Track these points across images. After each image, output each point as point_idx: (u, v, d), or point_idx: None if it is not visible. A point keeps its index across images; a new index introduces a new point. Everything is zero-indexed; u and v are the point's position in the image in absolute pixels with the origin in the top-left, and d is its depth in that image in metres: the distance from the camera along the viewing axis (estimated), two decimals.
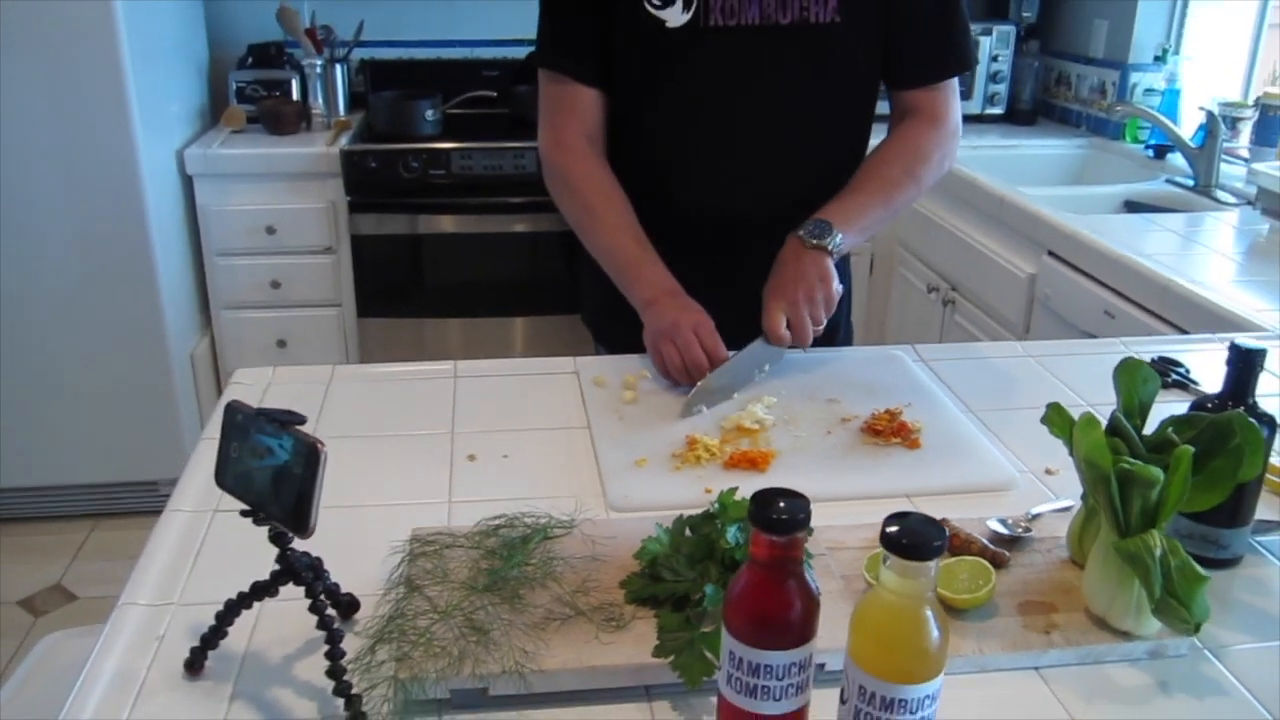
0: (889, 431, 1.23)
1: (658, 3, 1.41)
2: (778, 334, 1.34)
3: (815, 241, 1.37)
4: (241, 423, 0.82)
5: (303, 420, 0.80)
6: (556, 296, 3.12)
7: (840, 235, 1.38)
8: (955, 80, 1.51)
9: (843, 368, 1.42)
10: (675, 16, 1.41)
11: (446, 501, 1.12)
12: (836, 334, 1.64)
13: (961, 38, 1.49)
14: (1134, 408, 0.96)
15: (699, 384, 1.31)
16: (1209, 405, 1.04)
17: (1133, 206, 2.70)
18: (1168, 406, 1.04)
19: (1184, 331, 1.88)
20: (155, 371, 2.89)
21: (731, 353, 1.36)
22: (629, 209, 1.48)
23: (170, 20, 3.02)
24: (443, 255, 3.09)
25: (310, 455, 0.77)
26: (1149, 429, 0.97)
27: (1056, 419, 0.96)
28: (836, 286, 1.36)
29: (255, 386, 1.39)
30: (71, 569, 2.82)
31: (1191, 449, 0.86)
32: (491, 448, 1.22)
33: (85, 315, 2.81)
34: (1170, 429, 0.94)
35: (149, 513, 3.05)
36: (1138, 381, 0.97)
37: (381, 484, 1.15)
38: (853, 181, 1.45)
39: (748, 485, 1.11)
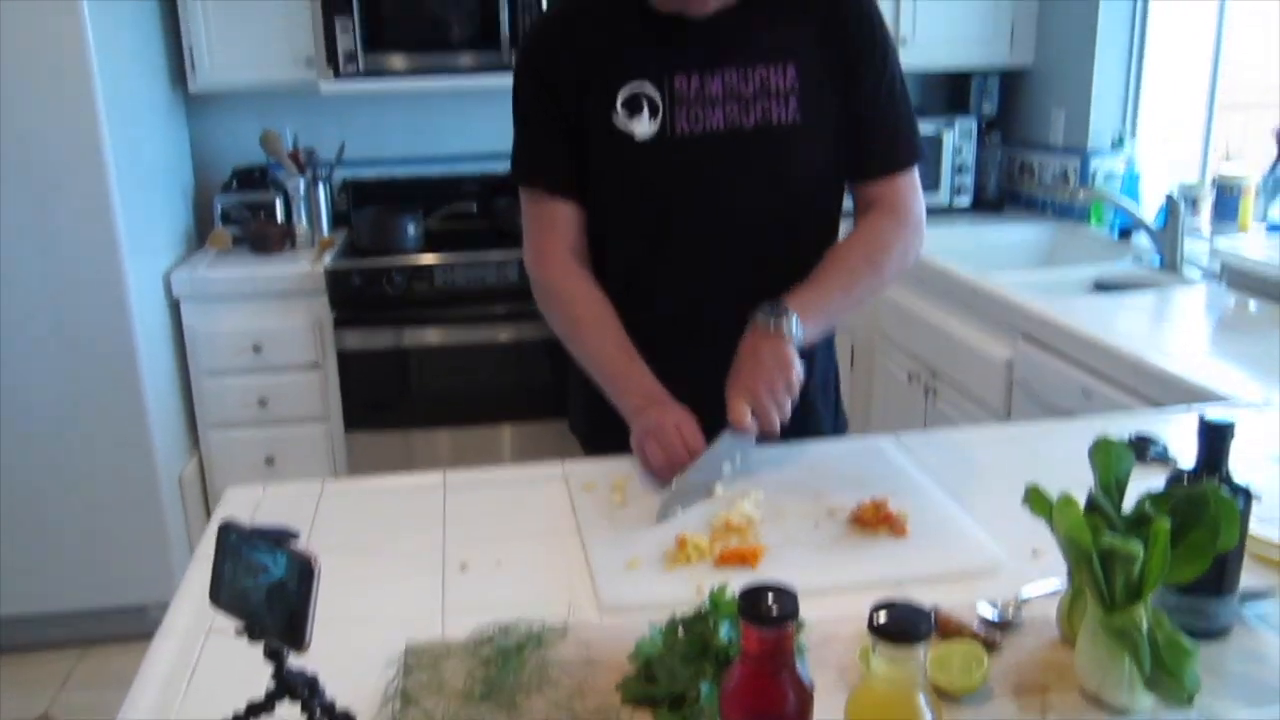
0: (876, 521, 1.24)
1: (625, 116, 1.47)
2: (742, 423, 1.35)
3: (773, 328, 1.39)
4: (235, 541, 0.84)
5: (296, 536, 0.81)
6: (543, 403, 3.15)
7: (797, 320, 1.40)
8: (914, 174, 1.57)
9: (827, 459, 1.44)
10: (643, 128, 1.46)
11: (440, 611, 1.12)
12: (821, 426, 1.66)
13: (910, 130, 1.56)
14: (1111, 485, 0.99)
15: (671, 486, 1.32)
16: (1184, 479, 1.06)
17: (1102, 287, 2.76)
18: (1147, 481, 1.06)
19: (1160, 406, 1.91)
20: (143, 494, 2.89)
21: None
22: (614, 318, 1.51)
23: (156, 146, 3.10)
24: (428, 367, 3.12)
25: (304, 570, 0.78)
26: (1127, 504, 0.99)
27: (1037, 500, 0.98)
28: (797, 373, 1.38)
29: (246, 505, 1.39)
30: (59, 699, 2.77)
31: (1168, 522, 0.88)
32: (483, 556, 1.23)
33: (73, 439, 2.82)
34: (1147, 504, 0.96)
35: (138, 638, 3.00)
36: (1112, 459, 1.00)
37: (375, 596, 1.15)
38: (813, 271, 1.49)
39: (739, 582, 1.12)
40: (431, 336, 3.09)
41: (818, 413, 1.65)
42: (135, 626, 2.94)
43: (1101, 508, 0.94)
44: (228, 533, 0.84)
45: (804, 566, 1.16)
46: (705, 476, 1.34)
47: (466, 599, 1.14)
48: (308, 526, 1.32)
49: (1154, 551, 0.88)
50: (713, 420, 1.38)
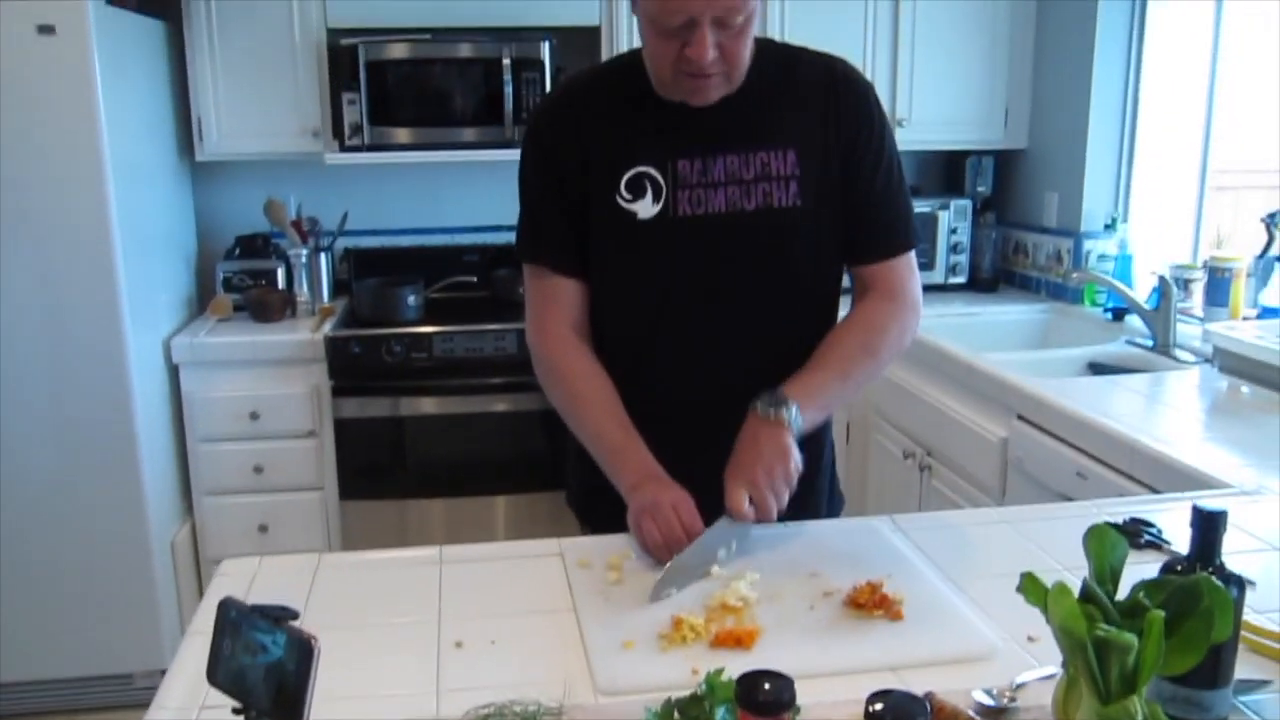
0: (871, 604, 1.24)
1: (629, 196, 1.50)
2: (740, 510, 1.37)
3: (772, 417, 1.41)
4: (235, 619, 0.84)
5: (295, 615, 0.82)
6: (538, 474, 3.15)
7: (796, 409, 1.42)
8: (911, 256, 1.59)
9: (823, 540, 1.45)
10: (646, 209, 1.50)
11: (435, 691, 1.12)
12: (818, 504, 1.67)
13: (907, 215, 1.59)
14: (1105, 573, 0.99)
15: (666, 566, 1.33)
16: (1178, 568, 1.07)
17: (1096, 368, 2.79)
18: (1141, 568, 1.06)
19: (1154, 490, 1.92)
20: (135, 560, 2.87)
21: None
22: (613, 395, 1.53)
23: (162, 213, 3.14)
24: (424, 436, 3.13)
25: (304, 651, 0.78)
26: (1122, 591, 0.99)
27: (1031, 588, 0.98)
28: (796, 462, 1.40)
29: (242, 577, 1.39)
30: None
31: (1162, 613, 0.89)
32: (479, 634, 1.23)
33: (66, 501, 2.81)
34: (1141, 593, 0.96)
35: (124, 707, 2.98)
36: (1106, 547, 1.00)
37: (370, 674, 1.15)
38: (811, 358, 1.51)
39: (734, 664, 1.12)
40: (428, 406, 3.10)
41: (815, 491, 1.66)
42: (121, 696, 2.92)
43: (1096, 597, 0.95)
44: (227, 609, 0.85)
45: (799, 650, 1.16)
46: (700, 560, 1.35)
47: (461, 678, 1.14)
48: (303, 600, 1.32)
49: (1148, 642, 0.88)
50: (709, 499, 1.39)
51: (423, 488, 3.15)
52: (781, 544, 1.42)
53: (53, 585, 2.84)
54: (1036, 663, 1.15)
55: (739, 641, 1.17)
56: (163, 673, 2.88)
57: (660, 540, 1.37)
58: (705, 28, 1.35)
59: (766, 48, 1.53)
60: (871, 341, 1.54)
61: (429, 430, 3.12)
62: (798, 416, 1.42)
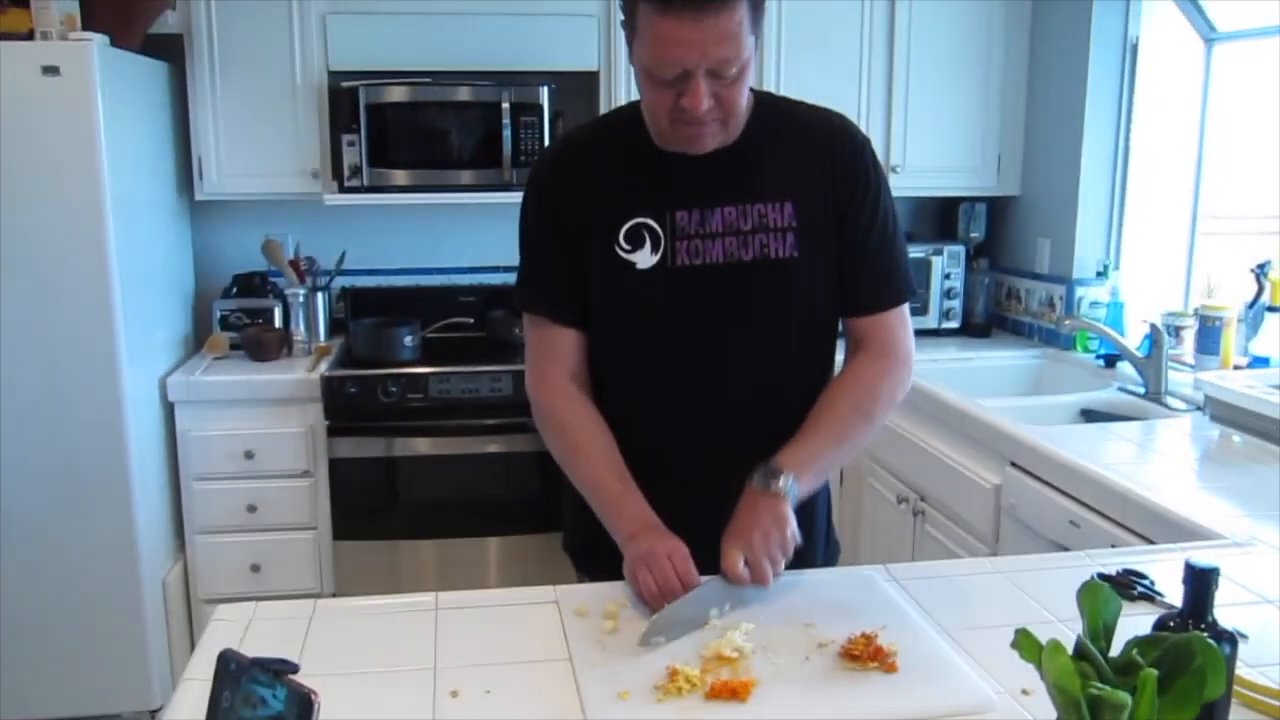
0: (866, 656, 1.25)
1: (628, 247, 1.52)
2: (735, 573, 1.38)
3: (769, 487, 1.43)
4: (235, 671, 0.84)
5: (295, 669, 0.82)
6: (531, 516, 3.16)
7: (792, 479, 1.44)
8: (904, 309, 1.61)
9: (817, 590, 1.45)
10: (645, 259, 1.52)
11: None
12: (814, 552, 1.68)
13: (902, 269, 1.61)
14: (1099, 630, 1.00)
15: (657, 614, 1.33)
16: (1170, 624, 1.08)
17: (1089, 415, 2.80)
18: (1135, 619, 1.07)
19: (1147, 539, 1.93)
20: (126, 599, 2.86)
21: (704, 578, 1.39)
22: (612, 444, 1.54)
23: (160, 251, 3.16)
24: (418, 477, 3.13)
25: (304, 706, 0.79)
26: (1116, 645, 1.00)
27: (1026, 644, 0.99)
28: (793, 531, 1.41)
29: (237, 623, 1.39)
30: None
31: (1155, 672, 0.90)
32: (474, 683, 1.23)
33: (57, 540, 2.80)
34: (1135, 650, 0.97)
35: None
36: (1100, 604, 1.01)
37: None
38: (805, 423, 1.53)
39: (730, 717, 1.13)
40: (422, 446, 3.11)
41: (811, 538, 1.66)
42: None
43: (1089, 654, 0.96)
44: (227, 661, 0.85)
45: (795, 703, 1.16)
46: (692, 612, 1.35)
47: None
48: (299, 647, 1.32)
49: (1141, 701, 0.89)
50: (706, 550, 1.40)
51: (415, 528, 3.15)
52: (776, 594, 1.43)
53: (42, 623, 2.82)
54: (1031, 717, 1.15)
55: (734, 693, 1.17)
56: (152, 714, 2.86)
57: (655, 590, 1.37)
58: (700, 78, 1.37)
59: (765, 101, 1.56)
60: (865, 403, 1.56)
61: (423, 471, 3.12)
62: (794, 486, 1.44)
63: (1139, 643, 0.98)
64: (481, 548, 3.19)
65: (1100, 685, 0.91)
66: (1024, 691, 1.20)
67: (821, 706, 1.16)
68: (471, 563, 3.18)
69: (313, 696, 0.79)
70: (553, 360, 1.59)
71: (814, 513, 1.67)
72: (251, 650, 1.31)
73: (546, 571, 3.13)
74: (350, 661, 1.29)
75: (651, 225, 1.51)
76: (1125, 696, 0.88)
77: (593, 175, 1.55)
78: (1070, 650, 0.96)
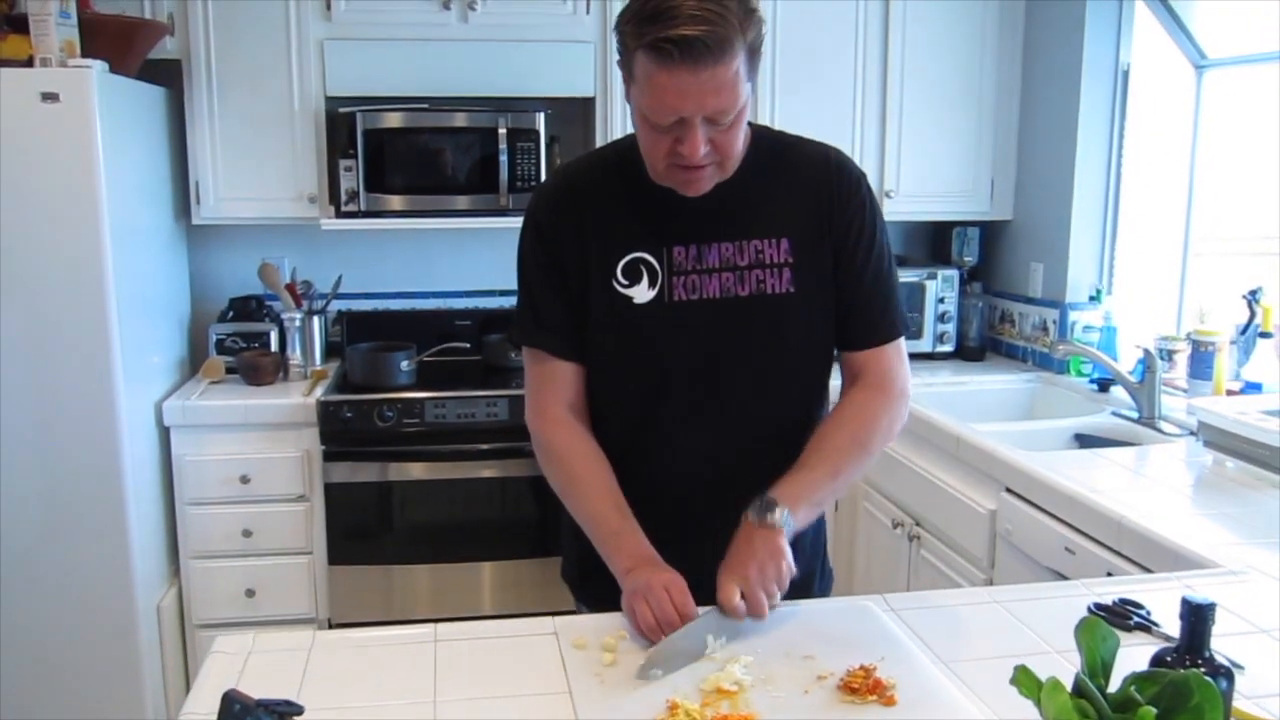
0: (865, 689, 1.25)
1: (625, 281, 1.53)
2: (731, 604, 1.38)
3: (765, 520, 1.43)
4: (239, 713, 0.85)
5: (300, 711, 0.83)
6: (526, 541, 3.16)
7: (787, 512, 1.44)
8: (900, 343, 1.62)
9: (815, 622, 1.46)
10: (642, 294, 1.53)
11: None
12: (810, 582, 1.68)
13: (897, 304, 1.62)
14: (1097, 667, 1.01)
15: (654, 647, 1.34)
16: (1168, 659, 1.08)
17: (1083, 440, 2.81)
18: (1132, 650, 1.08)
19: (1142, 566, 1.94)
20: (120, 624, 2.84)
21: (701, 610, 1.39)
22: (610, 477, 1.55)
23: (157, 275, 3.16)
24: (414, 502, 3.13)
25: None
26: (1114, 681, 1.01)
27: (1025, 680, 1.00)
28: (788, 564, 1.42)
29: (237, 655, 1.39)
30: None
31: (1154, 710, 0.90)
32: (474, 717, 1.23)
33: (52, 564, 2.78)
34: (1133, 687, 0.98)
35: None
36: (1098, 640, 1.02)
37: None
38: (802, 456, 1.53)
39: None
40: (418, 471, 3.11)
41: (808, 568, 1.67)
42: None
43: (1088, 692, 0.96)
44: (232, 703, 0.85)
45: None
46: (690, 644, 1.35)
47: None
48: (298, 680, 1.32)
49: None
50: (703, 581, 1.40)
51: (410, 553, 3.15)
52: (774, 625, 1.43)
53: (36, 647, 2.81)
54: None
55: None
56: None
57: (652, 621, 1.37)
58: (697, 126, 1.38)
59: (762, 136, 1.58)
60: (861, 435, 1.56)
61: (418, 496, 3.12)
62: (789, 519, 1.44)
63: (1137, 679, 0.99)
64: (476, 572, 3.19)
65: None
66: None
67: None
68: (466, 588, 3.17)
69: None
70: (552, 393, 1.60)
71: (813, 542, 1.68)
72: (250, 685, 1.32)
73: (542, 597, 3.15)
74: (350, 696, 1.29)
75: (649, 260, 1.53)
76: None
77: (590, 210, 1.56)
78: (1069, 687, 0.96)
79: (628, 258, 1.53)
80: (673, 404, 1.57)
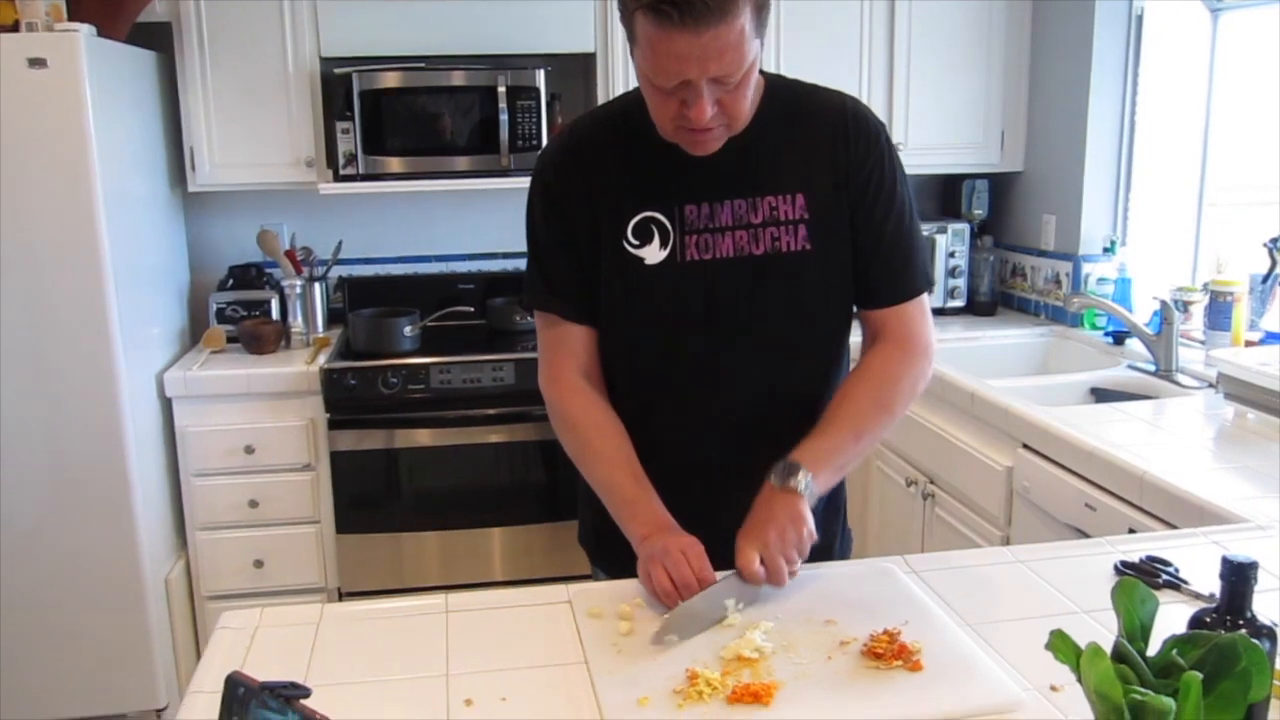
0: (890, 654, 1.21)
1: (636, 242, 1.48)
2: (750, 570, 1.34)
3: (786, 485, 1.39)
4: (243, 696, 0.81)
5: (307, 694, 0.79)
6: (536, 506, 3.13)
7: (809, 477, 1.40)
8: (923, 300, 1.57)
9: (836, 585, 1.42)
10: (653, 254, 1.48)
11: None
12: (831, 544, 1.65)
13: (920, 259, 1.56)
14: (1136, 630, 0.97)
15: (671, 611, 1.30)
16: (1208, 620, 1.04)
17: (1099, 394, 2.77)
18: (1163, 610, 1.03)
19: (1165, 522, 1.90)
20: (128, 597, 2.83)
21: (719, 575, 1.36)
22: (626, 443, 1.50)
23: (154, 244, 3.11)
24: (420, 468, 3.09)
25: None
26: (1153, 644, 0.97)
27: (1061, 646, 0.95)
28: (809, 529, 1.38)
29: (243, 630, 1.36)
30: None
31: (1199, 675, 0.86)
32: (488, 690, 1.19)
33: (57, 540, 2.76)
34: (1174, 651, 0.94)
35: None
36: (1136, 602, 0.98)
37: None
38: (823, 418, 1.48)
39: None
40: (424, 438, 3.07)
41: (829, 532, 1.63)
42: None
43: (1129, 657, 0.92)
44: (235, 686, 0.82)
45: (819, 706, 1.13)
46: (707, 609, 1.32)
47: None
48: (307, 656, 1.29)
49: (1186, 705, 0.86)
50: (720, 548, 1.36)
51: (419, 520, 3.12)
52: (794, 590, 1.39)
53: (44, 623, 2.79)
54: (1062, 715, 1.12)
55: (757, 697, 1.14)
56: (158, 714, 2.84)
57: (669, 586, 1.34)
58: (703, 88, 1.32)
59: (776, 86, 1.51)
60: (884, 396, 1.51)
61: (426, 462, 3.09)
62: (811, 483, 1.40)
63: (1178, 643, 0.95)
64: (486, 539, 3.16)
65: (1143, 690, 0.87)
66: (1052, 688, 1.17)
67: (847, 709, 1.13)
68: (477, 554, 3.15)
69: None
70: (565, 358, 1.55)
71: (837, 508, 1.64)
72: (258, 661, 1.29)
73: (554, 561, 3.12)
74: (361, 670, 1.25)
75: (660, 219, 1.47)
76: (1170, 703, 0.85)
77: (599, 169, 1.50)
78: (1108, 651, 0.92)
79: (638, 217, 1.47)
80: (687, 367, 1.52)
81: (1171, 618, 1.09)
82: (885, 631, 1.26)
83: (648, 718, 1.12)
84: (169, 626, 2.96)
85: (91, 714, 2.87)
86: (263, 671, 1.25)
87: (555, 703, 1.17)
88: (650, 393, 1.55)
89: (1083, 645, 0.94)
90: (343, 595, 3.11)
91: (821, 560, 1.51)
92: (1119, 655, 0.93)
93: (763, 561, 1.35)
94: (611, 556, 1.56)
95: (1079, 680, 0.94)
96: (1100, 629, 1.29)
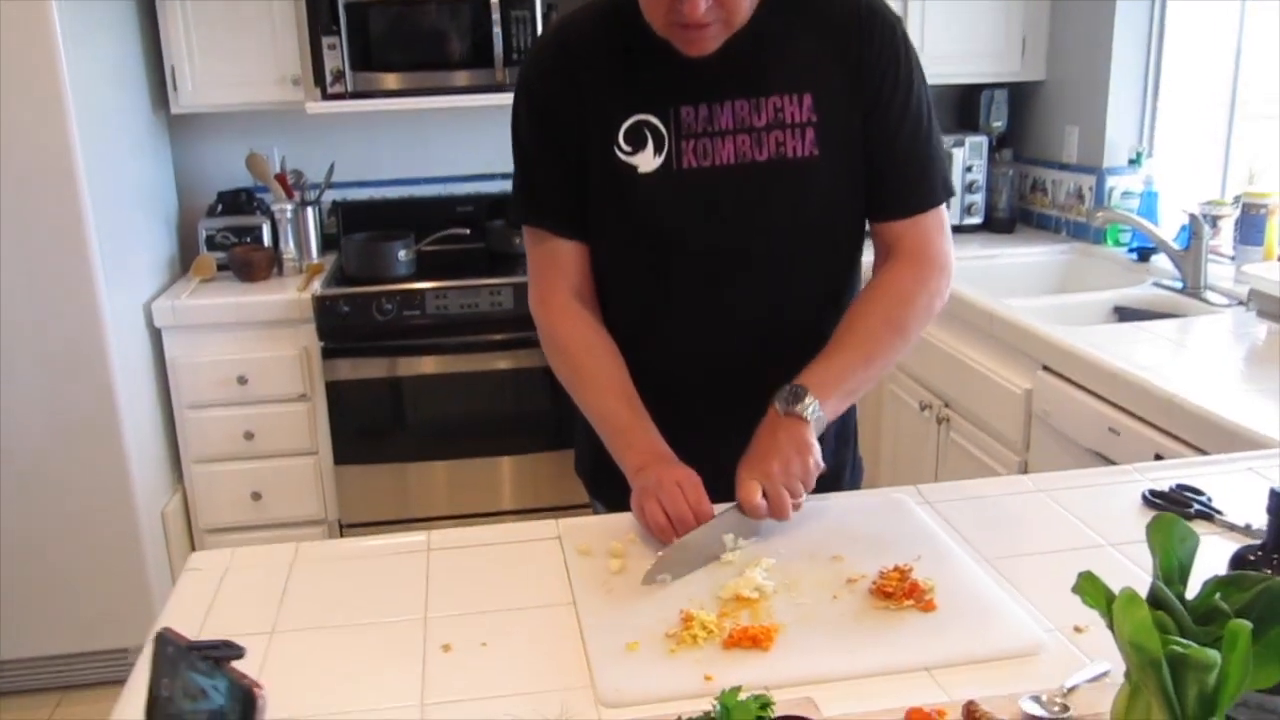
0: (900, 593, 1.12)
1: (628, 148, 1.36)
2: (752, 504, 1.24)
3: (791, 410, 1.29)
4: (172, 656, 0.72)
5: (239, 654, 0.70)
6: (542, 434, 3.05)
7: (816, 402, 1.30)
8: (941, 212, 1.45)
9: (844, 518, 1.33)
10: (647, 162, 1.36)
11: (419, 704, 1.01)
12: (841, 474, 1.55)
13: (938, 167, 1.44)
14: (1174, 571, 0.87)
15: (664, 550, 1.22)
16: (1252, 558, 0.95)
17: (1123, 313, 2.65)
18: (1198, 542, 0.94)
19: (1195, 447, 1.80)
20: (124, 532, 2.77)
21: (718, 508, 1.27)
22: (620, 369, 1.41)
23: (137, 169, 2.99)
24: (422, 397, 3.01)
25: (246, 701, 0.67)
26: (1191, 585, 0.87)
27: (1090, 590, 0.86)
28: (815, 458, 1.28)
29: (213, 571, 1.28)
30: None
31: (1248, 625, 0.77)
32: (468, 635, 1.11)
33: (49, 476, 2.70)
34: (1217, 594, 0.84)
35: (119, 682, 2.88)
36: (1174, 540, 0.88)
37: (350, 686, 1.04)
38: (832, 339, 1.38)
39: (751, 667, 1.02)
40: (424, 365, 2.98)
41: (839, 460, 1.54)
42: (116, 671, 2.83)
43: (1167, 603, 0.83)
44: (164, 645, 0.73)
45: (823, 650, 1.04)
46: (704, 546, 1.23)
47: (449, 688, 1.03)
48: (278, 598, 1.21)
49: (1233, 658, 0.76)
50: (719, 481, 1.27)
51: (422, 450, 3.05)
52: (798, 524, 1.30)
53: (41, 560, 2.75)
54: (1086, 659, 1.03)
55: (755, 642, 1.05)
56: None
57: (664, 520, 1.25)
58: None
59: None
60: (897, 315, 1.40)
61: (425, 391, 3.00)
62: (818, 409, 1.30)
63: (1220, 585, 0.86)
64: (493, 468, 3.09)
65: (1184, 641, 0.78)
66: (1076, 629, 1.08)
67: (854, 654, 1.04)
68: (483, 484, 3.08)
69: (256, 690, 0.66)
70: (555, 276, 1.45)
71: (847, 435, 1.54)
72: (226, 605, 1.21)
73: (560, 489, 3.05)
74: (333, 614, 1.18)
75: (654, 123, 1.35)
76: (1215, 656, 0.75)
77: (588, 69, 1.38)
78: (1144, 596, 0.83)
79: (630, 121, 1.35)
80: (685, 285, 1.41)
81: (1207, 554, 0.99)
82: (896, 568, 1.17)
83: (637, 666, 1.04)
84: (167, 560, 2.91)
85: (91, 648, 2.84)
86: (230, 615, 1.19)
87: (539, 648, 1.09)
88: (645, 313, 1.45)
89: (1112, 585, 0.84)
90: (343, 527, 3.06)
91: (829, 491, 1.41)
92: (1155, 601, 0.84)
93: (765, 493, 1.25)
94: (609, 490, 1.46)
95: (1109, 626, 0.85)
96: (1129, 564, 1.20)
